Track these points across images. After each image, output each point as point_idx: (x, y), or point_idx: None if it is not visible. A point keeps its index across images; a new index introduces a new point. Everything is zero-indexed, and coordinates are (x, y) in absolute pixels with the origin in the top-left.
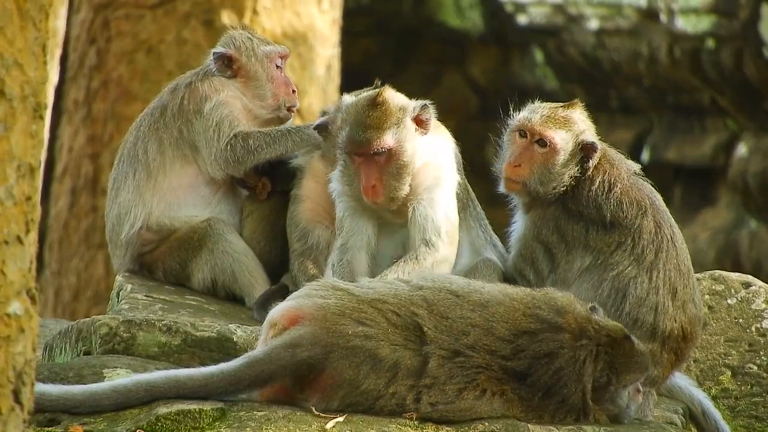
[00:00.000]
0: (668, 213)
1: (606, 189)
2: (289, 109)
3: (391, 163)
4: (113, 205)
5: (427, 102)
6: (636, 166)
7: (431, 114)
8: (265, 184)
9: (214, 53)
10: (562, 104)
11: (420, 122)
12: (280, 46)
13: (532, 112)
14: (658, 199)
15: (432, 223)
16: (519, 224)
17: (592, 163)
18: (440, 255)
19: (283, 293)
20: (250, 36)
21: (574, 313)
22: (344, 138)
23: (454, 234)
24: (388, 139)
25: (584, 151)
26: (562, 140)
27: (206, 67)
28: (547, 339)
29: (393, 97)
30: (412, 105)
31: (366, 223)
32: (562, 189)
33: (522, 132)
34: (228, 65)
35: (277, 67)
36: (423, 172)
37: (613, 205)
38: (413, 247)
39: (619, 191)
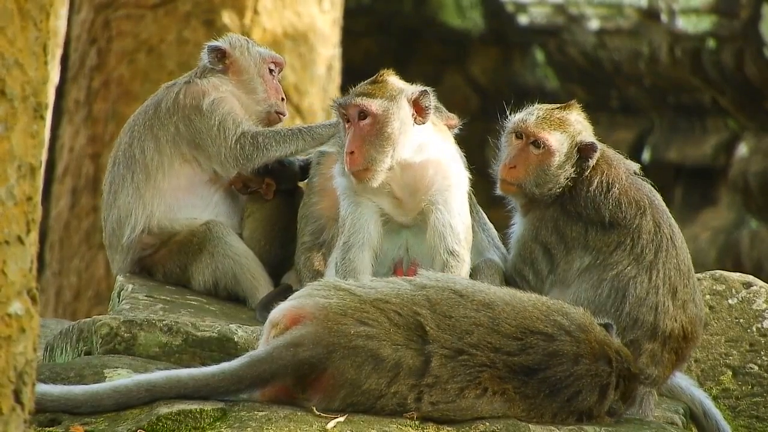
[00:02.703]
0: (668, 212)
1: (604, 189)
2: (277, 113)
3: (373, 132)
4: (112, 209)
5: (428, 89)
6: (635, 166)
7: (431, 102)
8: (269, 183)
9: (208, 46)
10: (559, 105)
11: (419, 109)
12: (276, 54)
13: (529, 114)
14: (658, 198)
15: (451, 230)
16: (518, 226)
17: (591, 162)
18: (467, 264)
19: (286, 294)
20: (247, 39)
21: (595, 333)
22: (334, 103)
23: (470, 237)
24: (373, 105)
25: (584, 151)
26: (558, 142)
27: (202, 65)
28: (567, 342)
29: (394, 79)
30: (412, 89)
31: (369, 221)
32: (558, 190)
33: (518, 134)
34: (220, 59)
35: (270, 71)
36: (429, 169)
37: (612, 205)
38: (438, 258)
39: (617, 191)
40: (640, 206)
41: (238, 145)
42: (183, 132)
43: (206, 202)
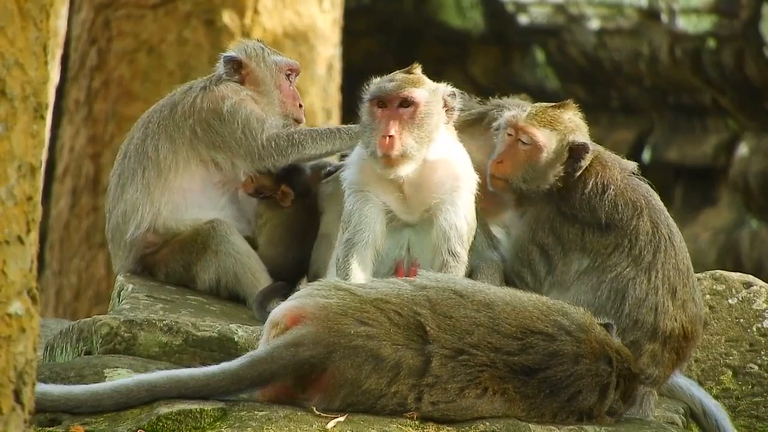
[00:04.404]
0: (666, 212)
1: (600, 191)
2: (295, 120)
3: (414, 120)
4: (119, 203)
5: (456, 90)
6: (632, 165)
7: (457, 104)
8: (286, 191)
9: (224, 57)
10: (554, 104)
11: (447, 108)
12: (292, 60)
13: (521, 111)
14: (655, 198)
15: (457, 232)
16: (515, 227)
17: (584, 163)
18: (464, 264)
19: (283, 292)
20: (262, 46)
21: (595, 333)
22: (371, 90)
23: (471, 238)
24: (420, 93)
25: (575, 151)
26: (545, 138)
27: (218, 73)
28: (568, 342)
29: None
30: (444, 87)
31: (375, 219)
32: (545, 187)
33: (509, 130)
34: (236, 70)
35: (287, 77)
36: (440, 169)
37: (608, 207)
38: (439, 258)
39: (613, 193)
40: (637, 207)
41: (272, 143)
42: (201, 136)
43: (214, 204)
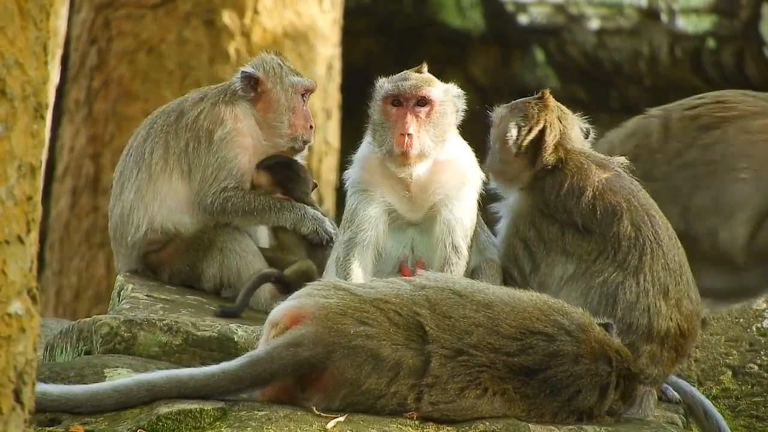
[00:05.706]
0: (652, 210)
1: (576, 194)
2: (304, 143)
3: (431, 119)
4: (117, 202)
5: (461, 91)
6: (618, 160)
7: (461, 105)
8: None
9: (242, 72)
10: (531, 98)
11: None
12: (307, 80)
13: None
14: (638, 197)
15: (461, 225)
16: (502, 225)
17: (546, 156)
18: (465, 259)
19: (273, 279)
20: (281, 63)
21: (594, 333)
22: (386, 88)
23: (472, 235)
24: (436, 92)
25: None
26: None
27: (233, 86)
28: (567, 342)
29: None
30: (454, 88)
31: (378, 219)
32: (521, 185)
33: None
34: (253, 87)
35: (302, 97)
36: (447, 168)
37: (585, 211)
38: (441, 251)
39: (590, 196)
40: (617, 212)
41: (211, 198)
42: (189, 151)
43: None
